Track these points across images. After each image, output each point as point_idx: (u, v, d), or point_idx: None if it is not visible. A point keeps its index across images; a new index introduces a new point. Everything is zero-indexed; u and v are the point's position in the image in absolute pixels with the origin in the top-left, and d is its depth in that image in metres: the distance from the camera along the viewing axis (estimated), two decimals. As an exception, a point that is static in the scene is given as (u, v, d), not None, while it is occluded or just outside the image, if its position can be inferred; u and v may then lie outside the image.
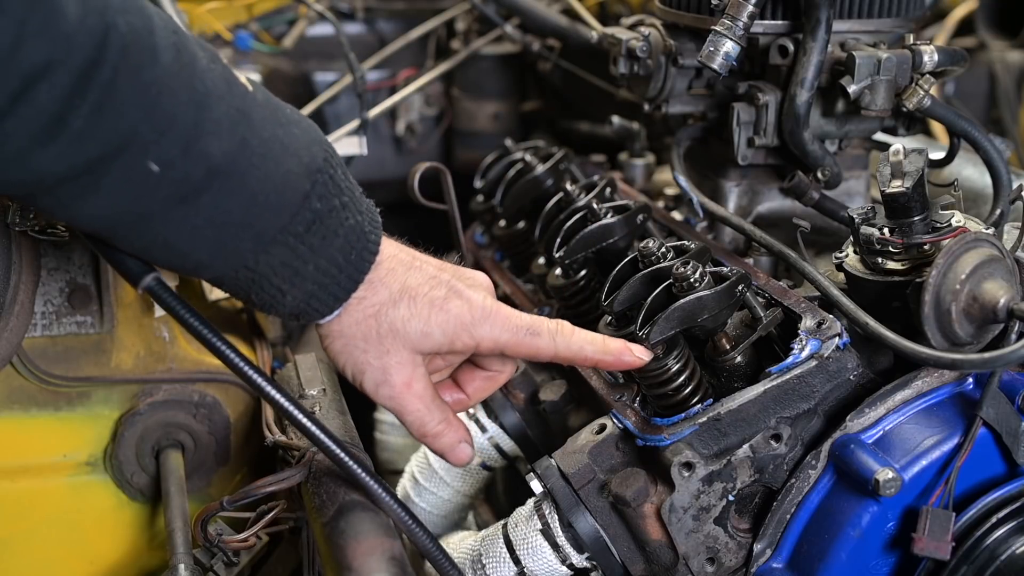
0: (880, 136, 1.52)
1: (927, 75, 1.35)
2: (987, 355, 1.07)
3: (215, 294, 1.54)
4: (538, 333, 1.12)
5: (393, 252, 1.10)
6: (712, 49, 1.34)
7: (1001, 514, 1.14)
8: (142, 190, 0.93)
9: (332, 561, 1.03)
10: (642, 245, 1.25)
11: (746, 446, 1.16)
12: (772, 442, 1.16)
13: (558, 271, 1.44)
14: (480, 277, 1.15)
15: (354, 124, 1.83)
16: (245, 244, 0.99)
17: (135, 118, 0.90)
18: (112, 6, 0.88)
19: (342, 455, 1.08)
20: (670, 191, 1.68)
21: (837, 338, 1.17)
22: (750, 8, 1.33)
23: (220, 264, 1.00)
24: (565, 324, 1.14)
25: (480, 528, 1.45)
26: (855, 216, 1.22)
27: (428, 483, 1.48)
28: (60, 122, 0.87)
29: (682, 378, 1.19)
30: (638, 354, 1.16)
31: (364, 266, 1.06)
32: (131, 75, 0.89)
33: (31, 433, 1.37)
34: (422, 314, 1.08)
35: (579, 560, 1.22)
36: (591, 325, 1.34)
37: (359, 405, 1.43)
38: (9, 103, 0.85)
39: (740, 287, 1.19)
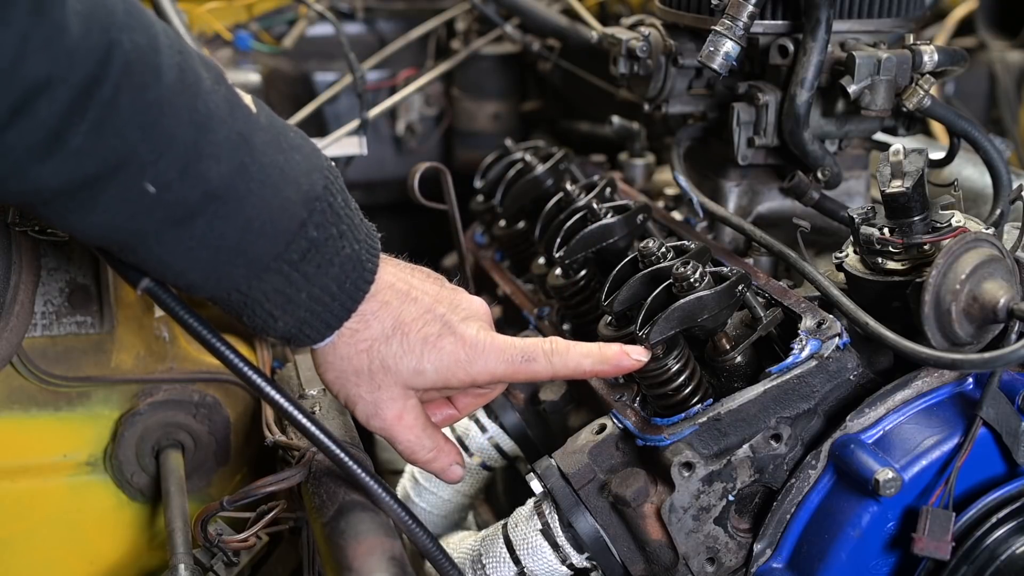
0: (880, 136, 1.52)
1: (927, 75, 1.35)
2: (987, 355, 1.07)
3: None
4: (534, 358, 1.12)
5: (390, 281, 1.08)
6: (712, 49, 1.34)
7: (1001, 514, 1.14)
8: (138, 210, 0.92)
9: (332, 561, 1.03)
10: (642, 245, 1.25)
11: (746, 446, 1.16)
12: (772, 442, 1.16)
13: (558, 271, 1.44)
14: (476, 305, 1.15)
15: (354, 124, 1.83)
16: (238, 269, 0.99)
17: (134, 138, 0.89)
18: (117, 23, 0.88)
19: (342, 455, 1.08)
20: (670, 191, 1.68)
21: (837, 338, 1.17)
22: (750, 8, 1.33)
23: (212, 286, 1.00)
24: (559, 341, 1.14)
25: (480, 528, 1.46)
26: (855, 216, 1.22)
27: (428, 483, 1.48)
28: (58, 138, 0.86)
29: (682, 378, 1.19)
30: (636, 356, 1.15)
31: (358, 295, 1.05)
32: (132, 94, 0.88)
33: (31, 433, 1.37)
34: (415, 351, 1.08)
35: (579, 560, 1.22)
36: (591, 325, 1.34)
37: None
38: (9, 116, 0.84)
39: (740, 287, 1.19)
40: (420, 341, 1.08)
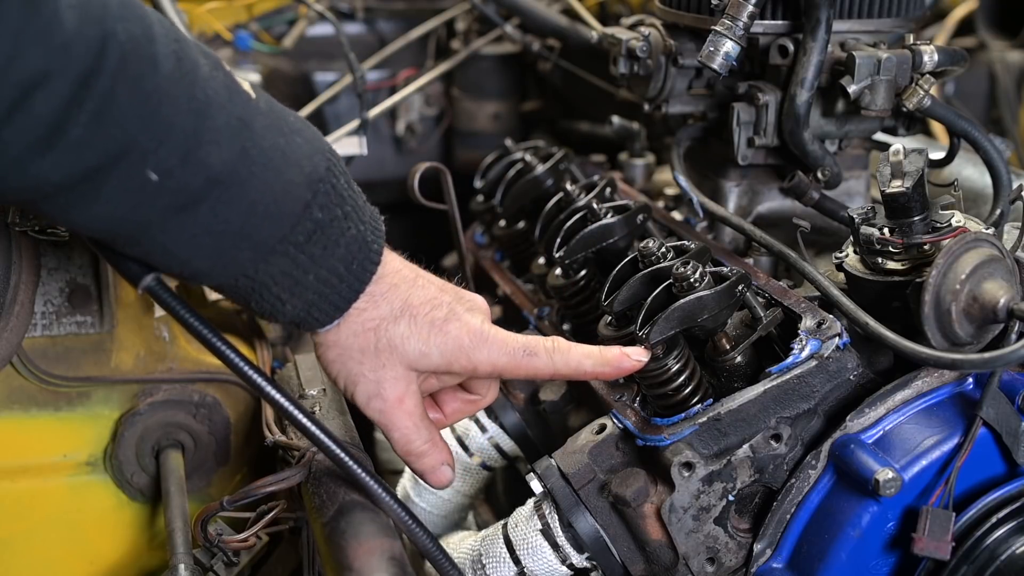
0: (880, 136, 1.52)
1: (927, 75, 1.35)
2: (987, 355, 1.07)
3: (215, 294, 1.54)
4: (535, 353, 1.12)
5: (397, 267, 1.10)
6: (712, 49, 1.34)
7: (1001, 514, 1.14)
8: (140, 199, 0.92)
9: (332, 561, 1.03)
10: (642, 245, 1.25)
11: (746, 446, 1.16)
12: (772, 442, 1.16)
13: (558, 271, 1.44)
14: (479, 301, 1.15)
15: (354, 124, 1.82)
16: (244, 254, 0.99)
17: (134, 127, 0.89)
18: (111, 15, 0.88)
19: (342, 455, 1.08)
20: (670, 191, 1.68)
21: (837, 338, 1.17)
22: (750, 8, 1.33)
23: (219, 272, 1.00)
24: (560, 341, 1.14)
25: (480, 528, 1.45)
26: (855, 216, 1.22)
27: (428, 483, 1.48)
28: (58, 131, 0.86)
29: (682, 378, 1.19)
30: (636, 357, 1.16)
31: (366, 276, 1.06)
32: (130, 84, 0.88)
33: (31, 433, 1.37)
34: (421, 333, 1.08)
35: (579, 560, 1.22)
36: (591, 325, 1.34)
37: (359, 405, 1.43)
38: (7, 112, 0.84)
39: (740, 287, 1.19)
40: (427, 324, 1.08)
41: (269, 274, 1.00)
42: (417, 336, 1.08)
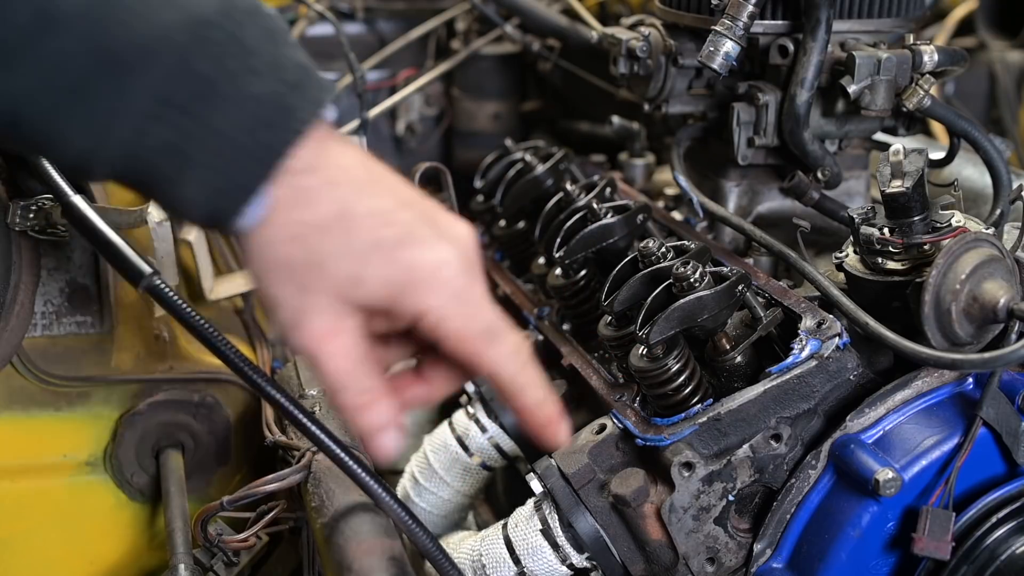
0: (880, 136, 1.52)
1: (927, 75, 1.35)
2: (987, 355, 1.07)
3: (215, 294, 1.54)
4: (496, 342, 0.88)
5: (345, 162, 0.85)
6: (712, 49, 1.34)
7: (1001, 514, 1.14)
8: None
9: (332, 561, 1.03)
10: (642, 245, 1.25)
11: (746, 446, 1.16)
12: (772, 442, 1.16)
13: (558, 271, 1.44)
14: (459, 230, 0.88)
15: (354, 124, 1.83)
16: (118, 120, 0.79)
17: None
18: None
19: (342, 455, 1.08)
20: (670, 191, 1.68)
21: (837, 338, 1.17)
22: (750, 8, 1.33)
23: (106, 153, 0.80)
24: (526, 350, 0.91)
25: (480, 528, 1.45)
26: (855, 216, 1.22)
27: (428, 483, 1.48)
28: None
29: (682, 378, 1.19)
30: (558, 437, 0.97)
31: (281, 147, 0.82)
32: None
33: (31, 433, 1.37)
34: (358, 253, 0.83)
35: (579, 560, 1.22)
36: (591, 325, 1.34)
37: (359, 405, 1.42)
38: None
39: (740, 287, 1.19)
40: (370, 244, 0.84)
41: (152, 148, 0.80)
42: (350, 256, 0.83)
